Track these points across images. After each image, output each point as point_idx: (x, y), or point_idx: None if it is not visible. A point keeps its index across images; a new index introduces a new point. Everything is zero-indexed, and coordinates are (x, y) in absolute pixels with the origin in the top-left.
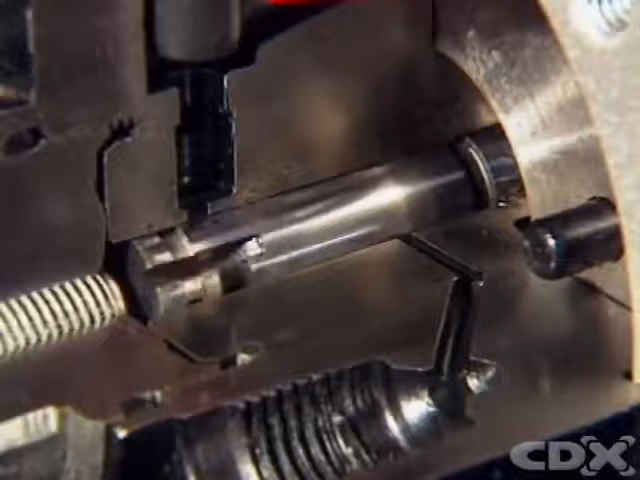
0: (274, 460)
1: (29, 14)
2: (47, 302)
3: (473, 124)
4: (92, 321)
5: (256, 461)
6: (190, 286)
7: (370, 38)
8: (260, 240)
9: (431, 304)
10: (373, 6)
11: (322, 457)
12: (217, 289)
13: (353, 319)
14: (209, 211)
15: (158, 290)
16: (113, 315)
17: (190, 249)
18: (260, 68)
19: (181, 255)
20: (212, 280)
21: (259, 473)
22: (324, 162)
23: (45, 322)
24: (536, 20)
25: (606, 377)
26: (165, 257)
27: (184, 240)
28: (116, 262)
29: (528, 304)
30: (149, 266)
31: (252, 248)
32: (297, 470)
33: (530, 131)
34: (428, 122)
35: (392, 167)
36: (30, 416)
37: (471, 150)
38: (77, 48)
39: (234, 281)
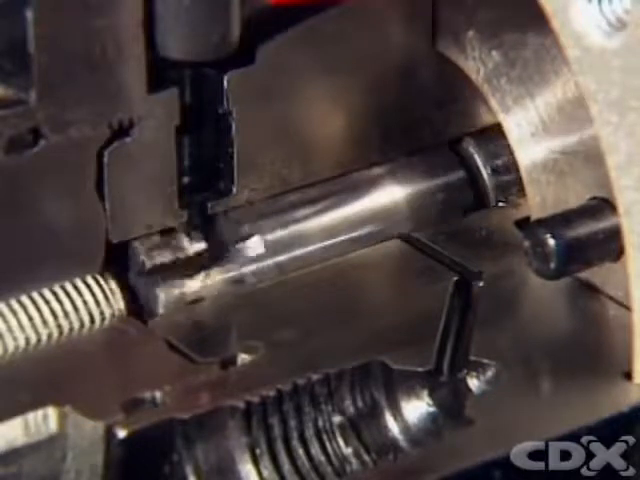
0: (274, 460)
1: (29, 14)
2: (47, 302)
3: (473, 124)
4: (92, 321)
5: (256, 461)
6: (190, 286)
7: (370, 38)
8: (261, 239)
9: (431, 304)
10: (373, 6)
11: (322, 457)
12: (217, 289)
13: (353, 319)
14: (209, 211)
15: (158, 290)
16: (113, 315)
17: (190, 249)
18: (260, 68)
19: (181, 255)
20: (212, 280)
21: (259, 473)
22: (324, 162)
23: (45, 322)
24: (536, 20)
25: (606, 377)
26: (165, 257)
27: (184, 240)
28: (116, 262)
29: (528, 304)
30: (149, 266)
31: (254, 246)
32: (297, 470)
33: (530, 131)
34: (428, 122)
35: (392, 167)
36: (30, 416)
37: (471, 150)
38: (77, 48)
39: (234, 281)
